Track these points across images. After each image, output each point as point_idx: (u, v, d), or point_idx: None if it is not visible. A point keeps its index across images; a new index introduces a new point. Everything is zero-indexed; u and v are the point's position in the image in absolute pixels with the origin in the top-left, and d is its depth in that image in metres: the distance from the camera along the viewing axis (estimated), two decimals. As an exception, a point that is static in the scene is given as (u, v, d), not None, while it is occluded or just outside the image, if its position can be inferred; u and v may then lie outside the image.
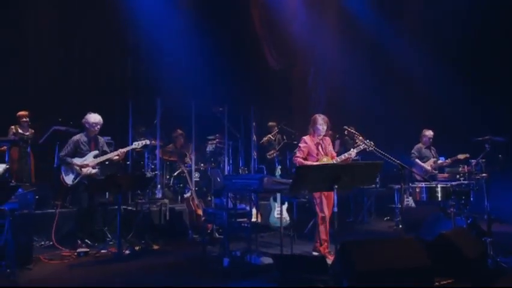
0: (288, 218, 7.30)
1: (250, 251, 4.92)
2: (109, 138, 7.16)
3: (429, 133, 7.88)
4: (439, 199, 5.44)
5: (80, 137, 6.11)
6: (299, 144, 5.73)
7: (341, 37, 11.06)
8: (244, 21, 10.46)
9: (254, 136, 8.94)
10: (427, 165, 7.70)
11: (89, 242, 5.98)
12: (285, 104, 11.08)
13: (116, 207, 6.63)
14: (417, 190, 5.62)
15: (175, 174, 8.09)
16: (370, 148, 5.47)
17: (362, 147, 5.58)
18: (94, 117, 6.11)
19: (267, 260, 4.73)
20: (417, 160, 7.81)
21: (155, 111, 7.69)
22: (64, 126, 6.94)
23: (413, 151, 7.95)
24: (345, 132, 6.20)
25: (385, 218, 8.68)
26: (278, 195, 7.28)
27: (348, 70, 10.60)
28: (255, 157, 8.88)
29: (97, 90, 8.36)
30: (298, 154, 5.63)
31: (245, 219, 5.35)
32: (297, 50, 11.49)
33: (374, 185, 8.66)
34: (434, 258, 4.27)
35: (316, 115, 5.73)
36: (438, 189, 5.38)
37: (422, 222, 6.64)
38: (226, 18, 9.74)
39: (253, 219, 7.00)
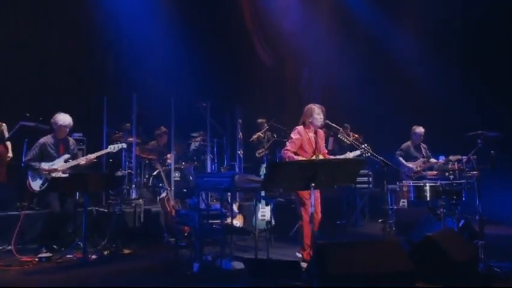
0: (273, 220, 7.10)
1: (222, 255, 4.71)
2: (80, 134, 6.99)
3: (419, 130, 7.49)
4: (428, 199, 5.20)
5: (46, 139, 5.84)
6: (291, 135, 5.30)
7: (337, 33, 10.93)
8: (229, 12, 10.22)
9: (240, 133, 8.73)
10: (415, 166, 7.39)
11: (55, 247, 5.77)
12: (275, 101, 10.88)
13: (88, 208, 6.57)
14: (405, 189, 5.40)
15: (155, 173, 7.87)
16: (366, 153, 5.24)
17: (359, 151, 5.30)
18: (63, 119, 5.81)
19: (239, 265, 4.53)
20: (400, 159, 7.47)
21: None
22: (32, 122, 6.71)
23: (399, 149, 7.64)
24: (335, 129, 5.97)
25: (379, 220, 8.43)
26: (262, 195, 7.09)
27: (344, 67, 10.49)
28: (241, 155, 8.67)
29: (70, 85, 8.09)
30: (289, 147, 5.20)
31: (219, 221, 5.13)
32: (290, 45, 11.34)
33: (367, 185, 8.47)
34: (419, 262, 4.11)
35: (311, 104, 5.35)
36: (427, 188, 5.15)
37: (414, 224, 6.47)
38: (210, 8, 9.51)
39: (235, 222, 6.87)
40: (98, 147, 6.92)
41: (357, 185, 8.29)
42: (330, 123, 5.28)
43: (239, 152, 8.69)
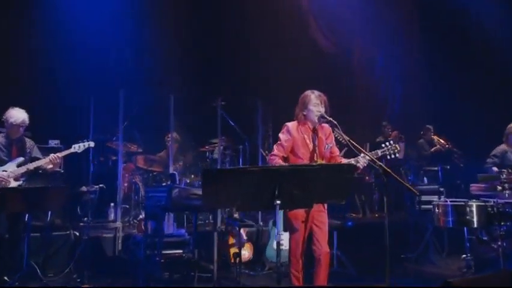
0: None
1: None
2: (57, 142, 6.76)
3: None
4: (475, 225, 3.92)
5: None
6: (279, 135, 4.58)
7: (415, 16, 10.71)
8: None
9: (270, 138, 8.00)
10: None
11: (7, 279, 5.39)
12: (331, 97, 9.90)
13: (67, 232, 6.22)
14: (440, 210, 4.13)
15: (159, 188, 7.38)
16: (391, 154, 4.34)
17: (380, 152, 4.49)
18: (16, 116, 5.52)
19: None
20: (494, 169, 6.25)
21: (131, 107, 7.09)
22: None
23: (491, 155, 6.53)
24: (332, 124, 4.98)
25: (463, 256, 6.97)
26: (278, 214, 6.20)
27: (427, 54, 10.19)
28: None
29: (50, 83, 7.86)
30: (276, 151, 4.47)
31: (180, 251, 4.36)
32: (356, 28, 10.68)
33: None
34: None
35: (308, 91, 4.54)
36: (473, 209, 3.86)
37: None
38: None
39: (243, 251, 6.03)
40: (82, 157, 6.54)
41: (422, 206, 6.96)
42: (326, 116, 4.31)
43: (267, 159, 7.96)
